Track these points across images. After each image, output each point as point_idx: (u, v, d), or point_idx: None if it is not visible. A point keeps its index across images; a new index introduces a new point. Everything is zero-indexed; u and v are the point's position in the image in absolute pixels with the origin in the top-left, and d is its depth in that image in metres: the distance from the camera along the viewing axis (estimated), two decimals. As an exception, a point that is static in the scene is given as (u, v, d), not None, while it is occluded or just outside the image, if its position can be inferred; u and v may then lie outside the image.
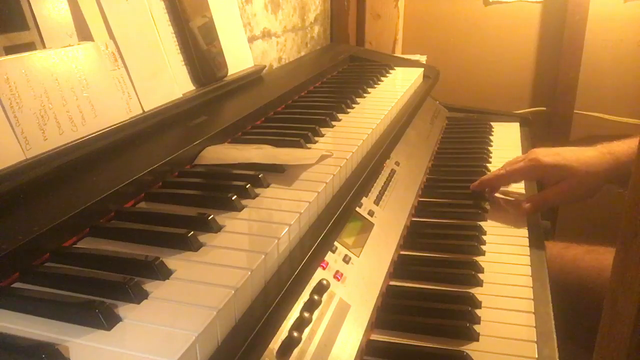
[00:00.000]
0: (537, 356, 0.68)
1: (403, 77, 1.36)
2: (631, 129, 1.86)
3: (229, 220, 0.59)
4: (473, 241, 0.93)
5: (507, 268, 0.87)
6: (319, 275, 0.67)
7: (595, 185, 0.99)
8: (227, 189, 0.65)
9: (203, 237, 0.55)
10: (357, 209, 0.84)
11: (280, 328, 0.56)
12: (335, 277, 0.70)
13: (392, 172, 1.04)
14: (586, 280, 1.05)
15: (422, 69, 1.42)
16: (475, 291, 0.81)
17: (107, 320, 0.43)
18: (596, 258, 1.08)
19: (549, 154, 1.02)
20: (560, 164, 1.00)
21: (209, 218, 0.57)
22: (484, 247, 0.92)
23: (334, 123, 0.95)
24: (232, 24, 1.11)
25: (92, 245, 0.55)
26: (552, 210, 1.96)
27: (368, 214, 0.86)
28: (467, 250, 0.91)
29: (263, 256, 0.52)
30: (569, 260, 1.11)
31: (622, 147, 0.97)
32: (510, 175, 1.05)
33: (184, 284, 0.48)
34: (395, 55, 1.93)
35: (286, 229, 0.57)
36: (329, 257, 0.72)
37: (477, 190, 1.08)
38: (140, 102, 0.80)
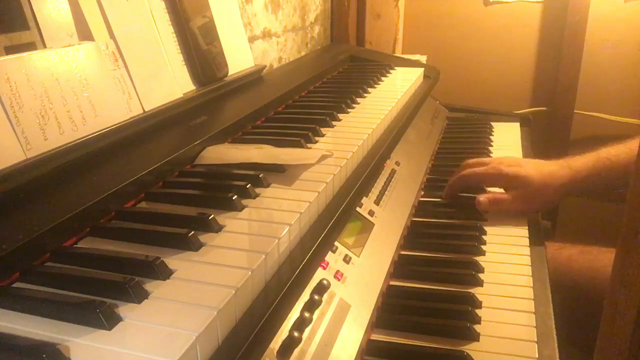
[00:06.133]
0: (537, 356, 0.68)
1: (403, 77, 1.36)
2: (631, 129, 1.86)
3: (229, 220, 0.59)
4: (473, 241, 0.93)
5: (507, 268, 0.87)
6: (319, 275, 0.67)
7: (551, 197, 1.01)
8: (228, 188, 0.65)
9: (203, 237, 0.55)
10: (358, 209, 0.84)
11: (281, 328, 0.56)
12: (335, 277, 0.70)
13: (393, 172, 1.04)
14: (580, 281, 1.05)
15: (423, 69, 1.42)
16: (476, 291, 0.81)
17: (107, 320, 0.43)
18: (590, 259, 1.08)
19: (511, 164, 1.04)
20: (520, 174, 1.01)
21: (210, 218, 0.57)
22: (484, 247, 0.92)
23: (334, 123, 0.95)
24: (232, 24, 1.11)
25: (92, 245, 0.55)
26: (552, 210, 1.96)
27: (368, 214, 0.86)
28: (467, 250, 0.91)
29: (263, 256, 0.52)
30: (563, 261, 1.11)
31: (580, 161, 1.01)
32: (471, 177, 1.06)
33: (184, 284, 0.48)
34: (395, 55, 1.92)
35: (286, 229, 0.57)
36: (330, 257, 0.71)
37: (451, 196, 1.09)
38: (140, 102, 0.80)
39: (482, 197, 1.02)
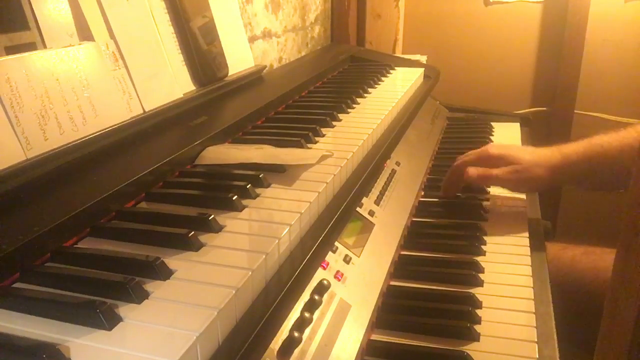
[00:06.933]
0: (537, 356, 0.68)
1: (403, 77, 1.36)
2: (631, 129, 1.86)
3: (229, 220, 0.59)
4: (473, 241, 0.93)
5: (507, 268, 0.87)
6: (319, 275, 0.67)
7: (541, 177, 0.99)
8: (228, 189, 0.65)
9: (204, 237, 0.55)
10: (358, 209, 0.84)
11: (281, 328, 0.56)
12: (335, 277, 0.70)
13: (393, 172, 1.04)
14: (584, 282, 1.05)
15: (423, 69, 1.42)
16: (476, 291, 0.81)
17: (108, 320, 0.43)
18: (593, 259, 1.08)
19: (500, 147, 1.05)
20: (508, 154, 1.02)
21: (210, 218, 0.57)
22: (484, 247, 0.92)
23: (334, 123, 0.95)
24: (232, 24, 1.11)
25: (92, 245, 0.55)
26: (552, 210, 1.96)
27: (369, 214, 0.86)
28: (467, 250, 0.91)
29: (264, 256, 0.52)
30: (567, 261, 1.11)
31: (571, 147, 1.00)
32: (460, 165, 1.06)
33: (184, 284, 0.48)
34: (395, 55, 1.92)
35: (287, 229, 0.57)
36: (330, 257, 0.71)
37: (449, 194, 1.09)
38: (140, 102, 0.80)
39: (471, 169, 1.02)
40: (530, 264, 0.87)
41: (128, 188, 0.63)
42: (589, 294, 1.02)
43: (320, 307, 0.64)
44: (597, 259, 1.08)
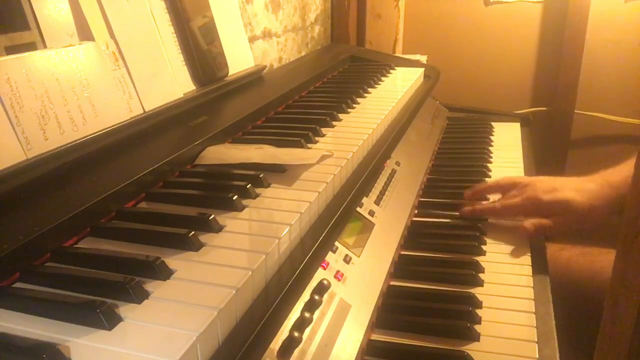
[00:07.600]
0: (537, 356, 0.68)
1: (403, 77, 1.36)
2: (631, 129, 1.86)
3: (229, 220, 0.59)
4: (474, 241, 0.93)
5: (507, 268, 0.87)
6: (319, 275, 0.67)
7: (599, 219, 0.95)
8: (228, 188, 0.65)
9: (204, 237, 0.55)
10: (358, 209, 0.84)
11: (281, 328, 0.56)
12: (336, 277, 0.70)
13: (393, 172, 1.03)
14: (580, 283, 1.05)
15: (423, 69, 1.42)
16: (476, 291, 0.81)
17: (108, 320, 0.43)
18: (590, 260, 1.08)
19: (547, 190, 0.97)
20: (562, 199, 0.94)
21: (210, 218, 0.57)
22: (484, 247, 0.92)
23: (334, 123, 0.95)
24: (232, 24, 1.11)
25: (93, 245, 0.55)
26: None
27: (369, 214, 0.86)
28: (467, 250, 0.91)
29: (264, 256, 0.52)
30: (563, 262, 1.10)
31: (619, 177, 0.94)
32: (505, 210, 0.99)
33: (184, 284, 0.48)
34: (395, 55, 1.92)
35: (287, 229, 0.57)
36: (330, 257, 0.71)
37: (467, 216, 1.01)
38: (141, 102, 0.80)
39: (527, 224, 0.94)
40: (530, 264, 0.87)
41: (128, 188, 0.63)
42: (585, 295, 1.01)
43: (320, 307, 0.64)
44: (593, 260, 1.07)
